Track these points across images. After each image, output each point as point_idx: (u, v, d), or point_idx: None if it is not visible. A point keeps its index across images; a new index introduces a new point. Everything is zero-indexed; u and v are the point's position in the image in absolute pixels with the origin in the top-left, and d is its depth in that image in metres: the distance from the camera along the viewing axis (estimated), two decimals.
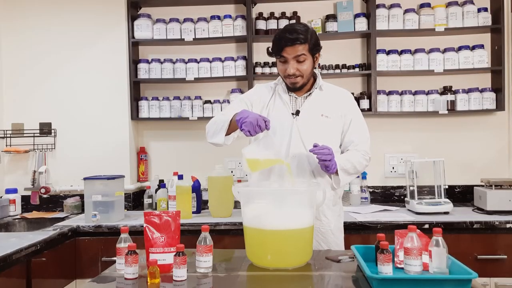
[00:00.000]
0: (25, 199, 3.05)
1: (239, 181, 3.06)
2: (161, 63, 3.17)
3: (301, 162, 1.95)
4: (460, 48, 3.03)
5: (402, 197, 3.12)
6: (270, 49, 1.96)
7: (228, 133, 1.89)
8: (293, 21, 3.10)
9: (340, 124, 2.03)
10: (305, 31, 1.89)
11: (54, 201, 3.09)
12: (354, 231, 2.45)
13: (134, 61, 3.15)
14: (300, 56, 1.89)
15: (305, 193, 1.68)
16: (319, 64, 2.92)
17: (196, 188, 2.83)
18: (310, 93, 2.02)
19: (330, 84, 2.11)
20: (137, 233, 2.24)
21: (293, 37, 1.86)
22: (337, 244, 2.04)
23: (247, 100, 2.07)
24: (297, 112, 1.99)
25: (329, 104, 2.01)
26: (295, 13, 3.15)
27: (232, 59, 3.13)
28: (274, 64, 3.12)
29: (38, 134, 3.06)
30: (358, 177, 2.99)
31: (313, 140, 1.90)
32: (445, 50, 3.04)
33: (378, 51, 3.04)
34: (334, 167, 1.87)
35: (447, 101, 3.00)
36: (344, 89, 2.15)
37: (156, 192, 2.95)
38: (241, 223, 1.76)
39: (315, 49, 1.93)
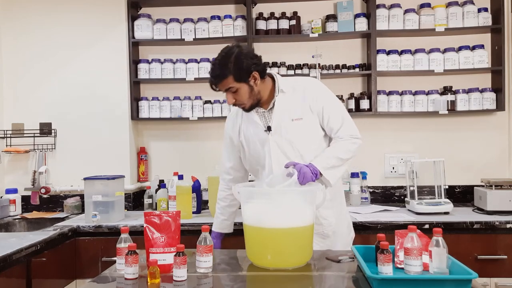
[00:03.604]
0: (25, 199, 3.05)
1: None
2: (161, 63, 3.17)
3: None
4: (460, 48, 3.03)
5: (402, 197, 3.12)
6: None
7: None
8: (293, 21, 3.10)
9: (315, 118, 1.92)
10: (223, 65, 1.81)
11: (54, 201, 3.09)
12: (354, 231, 2.43)
13: (134, 61, 3.15)
14: (230, 89, 1.85)
15: (305, 192, 1.69)
16: (319, 64, 2.92)
17: (196, 188, 2.83)
18: (273, 104, 1.93)
19: (289, 79, 2.01)
20: (137, 233, 2.24)
21: (213, 76, 1.84)
22: (345, 245, 2.03)
23: (229, 139, 2.08)
24: (269, 128, 1.92)
25: (296, 104, 1.92)
26: (295, 13, 3.15)
27: None
28: (273, 64, 3.13)
29: (38, 134, 3.06)
30: (358, 177, 2.99)
31: (292, 147, 1.88)
32: (445, 50, 3.04)
33: (378, 51, 3.04)
34: (311, 178, 1.77)
35: (447, 101, 3.00)
36: (307, 77, 2.05)
37: (156, 192, 2.95)
38: (241, 223, 1.76)
39: (244, 75, 1.82)
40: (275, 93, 1.93)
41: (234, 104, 1.90)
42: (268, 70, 1.96)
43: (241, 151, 2.05)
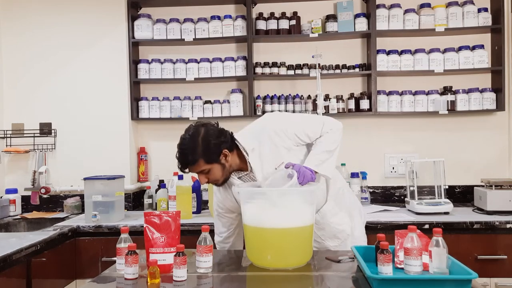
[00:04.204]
0: (25, 199, 3.05)
1: None
2: (161, 63, 3.17)
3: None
4: (460, 48, 3.03)
5: (402, 197, 3.12)
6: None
7: None
8: (293, 21, 3.10)
9: (295, 148, 1.89)
10: (192, 151, 1.76)
11: (54, 201, 3.09)
12: None
13: (134, 61, 3.15)
14: (202, 172, 1.81)
15: (304, 192, 1.69)
16: (319, 64, 2.92)
17: (196, 188, 2.83)
18: (251, 168, 1.88)
19: (249, 131, 1.93)
20: (137, 233, 2.24)
21: (183, 162, 1.79)
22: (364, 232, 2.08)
23: (224, 210, 2.01)
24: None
25: (270, 154, 1.85)
26: (295, 13, 3.15)
27: (232, 59, 3.13)
28: (274, 64, 3.12)
29: (38, 134, 3.06)
30: (358, 177, 2.99)
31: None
32: (445, 50, 3.04)
33: (378, 51, 3.04)
34: (310, 177, 1.76)
35: (447, 101, 3.00)
36: (262, 120, 1.95)
37: (156, 192, 2.95)
38: None
39: (213, 156, 1.78)
40: (245, 155, 1.86)
41: (207, 182, 1.85)
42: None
43: None
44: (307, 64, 3.12)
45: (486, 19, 2.99)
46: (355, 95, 3.13)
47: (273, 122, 1.90)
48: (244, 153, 1.86)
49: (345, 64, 3.12)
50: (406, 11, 3.03)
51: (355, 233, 2.05)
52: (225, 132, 1.85)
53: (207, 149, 1.76)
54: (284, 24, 3.11)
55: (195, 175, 2.90)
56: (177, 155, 1.80)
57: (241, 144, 1.86)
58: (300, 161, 1.88)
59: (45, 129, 3.08)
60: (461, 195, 3.10)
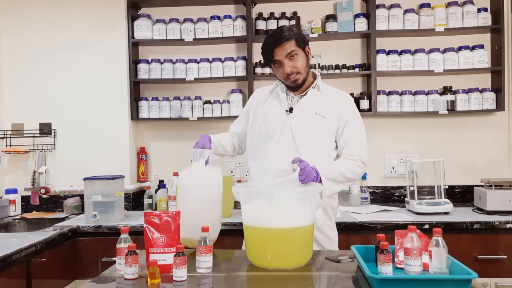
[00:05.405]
0: (25, 200, 3.05)
1: (239, 181, 3.06)
2: (161, 63, 3.17)
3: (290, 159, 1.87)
4: (460, 48, 3.03)
5: (402, 197, 3.12)
6: (262, 60, 2.05)
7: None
8: (293, 21, 3.10)
9: (335, 125, 2.00)
10: (288, 29, 1.95)
11: (54, 202, 3.09)
12: (354, 231, 2.46)
13: (134, 61, 3.15)
14: (291, 53, 1.92)
15: (305, 191, 1.69)
16: (319, 64, 2.92)
17: None
18: (306, 92, 2.03)
19: (331, 86, 2.10)
20: (137, 233, 2.23)
21: (278, 37, 1.92)
22: (329, 243, 2.01)
23: (246, 111, 2.19)
24: (291, 109, 1.99)
25: (325, 104, 2.00)
26: (295, 13, 3.15)
27: (232, 59, 3.13)
28: None
29: (38, 135, 3.06)
30: None
31: (304, 137, 1.92)
32: (445, 50, 3.04)
33: (378, 51, 3.04)
34: (313, 178, 1.79)
35: (447, 101, 3.00)
36: (345, 92, 2.13)
37: (156, 192, 2.95)
38: (241, 223, 1.76)
39: (303, 42, 1.96)
40: (311, 87, 2.03)
41: (291, 73, 1.93)
42: None
43: (252, 125, 2.09)
44: None
45: (486, 19, 2.99)
46: (355, 95, 3.13)
47: (350, 100, 2.09)
48: (314, 84, 2.03)
49: (345, 64, 3.12)
50: (406, 11, 3.03)
51: (333, 239, 2.04)
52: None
53: (300, 35, 1.97)
54: (284, 24, 3.11)
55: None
56: (271, 39, 1.95)
57: (319, 79, 2.06)
58: (329, 133, 1.99)
59: (45, 129, 3.08)
60: (461, 195, 3.10)
